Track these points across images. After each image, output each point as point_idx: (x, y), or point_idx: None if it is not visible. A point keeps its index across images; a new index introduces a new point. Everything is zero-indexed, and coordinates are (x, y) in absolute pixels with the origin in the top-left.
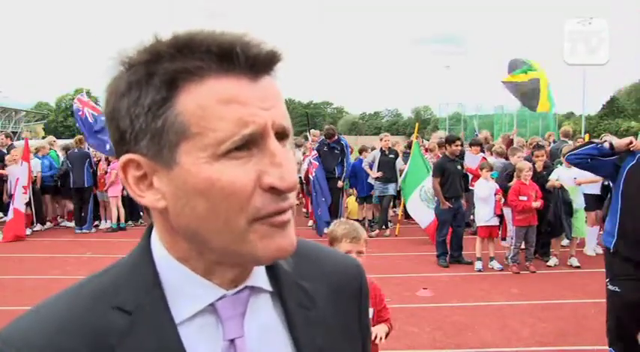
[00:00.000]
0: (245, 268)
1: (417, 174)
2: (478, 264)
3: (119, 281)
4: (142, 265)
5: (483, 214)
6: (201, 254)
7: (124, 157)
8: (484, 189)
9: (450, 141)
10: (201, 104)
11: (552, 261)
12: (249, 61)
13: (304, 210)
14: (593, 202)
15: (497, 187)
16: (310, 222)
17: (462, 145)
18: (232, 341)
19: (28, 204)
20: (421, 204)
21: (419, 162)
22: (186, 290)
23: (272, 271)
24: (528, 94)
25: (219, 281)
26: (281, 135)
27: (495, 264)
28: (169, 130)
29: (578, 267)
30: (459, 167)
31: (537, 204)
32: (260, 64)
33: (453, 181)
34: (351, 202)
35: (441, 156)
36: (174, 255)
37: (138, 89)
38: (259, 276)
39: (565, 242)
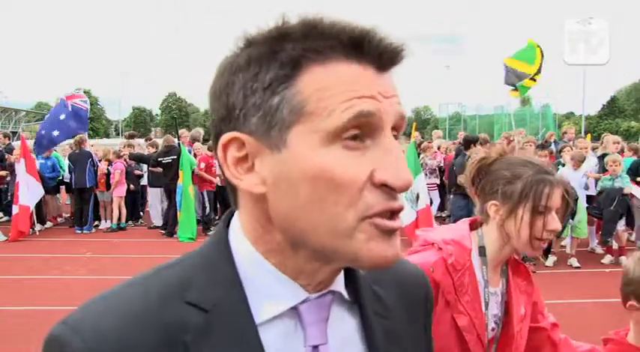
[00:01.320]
0: (337, 270)
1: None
2: None
3: (193, 276)
4: (220, 259)
5: None
6: (294, 248)
7: (228, 134)
8: None
9: (473, 141)
10: (322, 85)
11: (550, 259)
12: (378, 52)
13: None
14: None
15: None
16: None
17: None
18: (316, 347)
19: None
20: (406, 204)
21: (409, 161)
22: (268, 289)
23: (350, 277)
24: (515, 79)
25: (305, 282)
26: (396, 130)
27: None
28: (285, 109)
29: (578, 267)
30: None
31: None
32: (387, 57)
33: None
34: None
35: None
36: (260, 249)
37: (258, 64)
38: (340, 282)
39: (565, 242)
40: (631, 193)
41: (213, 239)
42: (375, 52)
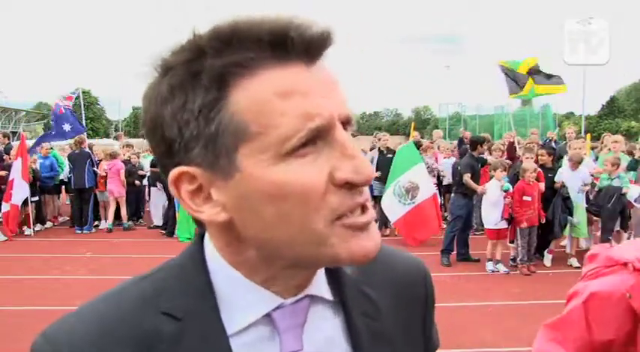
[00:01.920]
0: (313, 273)
1: (399, 167)
2: (490, 265)
3: (167, 286)
4: (193, 271)
5: (492, 217)
6: (270, 262)
7: (175, 171)
8: (494, 191)
9: (479, 141)
10: (258, 100)
11: (547, 259)
12: (305, 46)
13: None
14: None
15: (510, 189)
16: None
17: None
18: None
19: (25, 203)
20: (393, 198)
21: (404, 156)
22: (241, 299)
23: (334, 277)
24: (510, 81)
25: (280, 288)
26: (345, 124)
27: (502, 268)
28: (225, 133)
29: (578, 268)
30: (480, 165)
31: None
32: (315, 48)
33: (475, 180)
34: None
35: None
36: (232, 262)
37: (183, 93)
38: (320, 284)
39: (564, 242)
40: (629, 202)
41: (189, 249)
42: (300, 48)
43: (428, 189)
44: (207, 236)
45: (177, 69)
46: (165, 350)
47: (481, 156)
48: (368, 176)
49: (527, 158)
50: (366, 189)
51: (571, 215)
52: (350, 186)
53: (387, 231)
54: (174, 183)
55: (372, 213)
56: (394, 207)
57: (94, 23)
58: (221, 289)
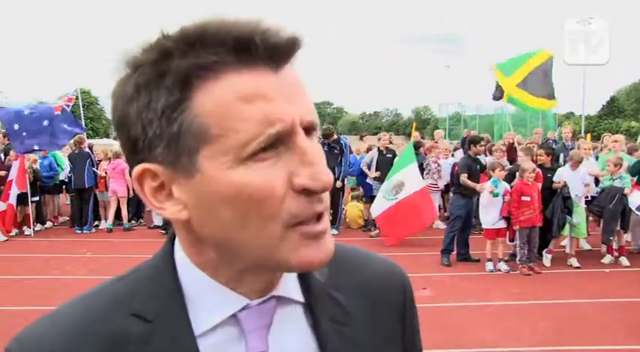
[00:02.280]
0: (275, 275)
1: (396, 167)
2: (489, 265)
3: (139, 288)
4: (164, 272)
5: (491, 217)
6: (229, 263)
7: (139, 168)
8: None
9: (474, 141)
10: (221, 103)
11: (546, 259)
12: (270, 51)
13: None
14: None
15: (508, 188)
16: None
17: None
18: None
19: (26, 203)
20: (380, 194)
21: (403, 156)
22: (207, 300)
23: (304, 280)
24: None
25: (246, 290)
26: (309, 130)
27: (503, 266)
28: (187, 135)
29: (578, 268)
30: (479, 166)
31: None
32: (281, 54)
33: (475, 180)
34: (350, 208)
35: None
36: (198, 264)
37: (148, 92)
38: (290, 285)
39: (564, 242)
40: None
41: (161, 251)
42: (265, 54)
43: (413, 186)
44: (177, 238)
45: (144, 68)
46: (133, 351)
47: (477, 156)
48: (325, 183)
49: (522, 157)
50: (326, 197)
51: (570, 215)
52: (308, 193)
53: None
54: (138, 179)
55: (326, 222)
56: (378, 202)
57: (94, 23)
58: (189, 290)
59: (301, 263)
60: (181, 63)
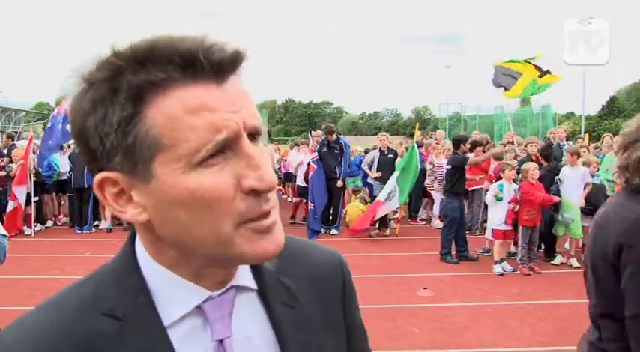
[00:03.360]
0: (233, 268)
1: (407, 173)
2: (497, 268)
3: (105, 289)
4: (128, 271)
5: (497, 218)
6: (188, 259)
7: (99, 176)
8: (504, 193)
9: (461, 141)
10: (170, 116)
11: (557, 259)
12: (214, 67)
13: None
14: None
15: (515, 192)
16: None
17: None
18: (221, 341)
19: (27, 203)
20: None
21: (408, 163)
22: (172, 294)
23: (255, 270)
24: (506, 78)
25: (207, 283)
26: (253, 135)
27: (506, 266)
28: (142, 145)
29: (578, 268)
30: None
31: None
32: (225, 68)
33: (463, 180)
34: (351, 208)
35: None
36: (159, 261)
37: (103, 107)
38: (245, 275)
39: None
40: None
41: (122, 252)
42: (209, 69)
43: (383, 195)
44: (137, 236)
45: (98, 85)
46: (106, 348)
47: (465, 154)
48: (270, 184)
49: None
50: (273, 196)
51: (557, 212)
52: (256, 193)
53: (387, 231)
54: (99, 186)
55: (274, 216)
56: (393, 202)
57: (94, 23)
58: (154, 286)
59: (257, 254)
60: (133, 80)
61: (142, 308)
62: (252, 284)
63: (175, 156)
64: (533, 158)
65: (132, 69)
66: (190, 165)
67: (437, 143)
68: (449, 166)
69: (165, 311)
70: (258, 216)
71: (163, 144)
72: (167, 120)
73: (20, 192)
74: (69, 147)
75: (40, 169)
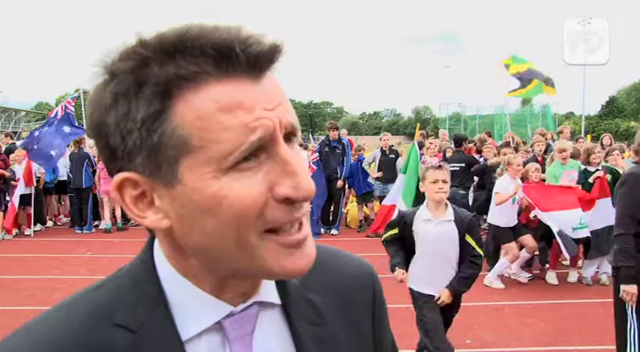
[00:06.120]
0: (257, 281)
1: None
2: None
3: (120, 297)
4: (146, 281)
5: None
6: (212, 270)
7: (119, 176)
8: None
9: (462, 139)
10: (202, 114)
11: (572, 276)
12: (251, 61)
13: None
14: None
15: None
16: None
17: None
18: None
19: (28, 204)
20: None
21: (410, 163)
22: (191, 307)
23: (280, 283)
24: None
25: (229, 295)
26: (289, 135)
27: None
28: (167, 145)
29: (578, 268)
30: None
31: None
32: (262, 63)
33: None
34: (351, 208)
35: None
36: (181, 271)
37: (126, 102)
38: (269, 290)
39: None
40: None
41: (140, 256)
42: (245, 62)
43: (391, 199)
44: (156, 242)
45: (122, 77)
46: None
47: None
48: (308, 193)
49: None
50: (306, 205)
51: None
52: (290, 202)
53: None
54: (118, 188)
55: (307, 229)
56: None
57: (94, 23)
58: (173, 297)
59: (286, 271)
60: (161, 73)
61: (160, 321)
62: (276, 299)
63: (205, 159)
64: (539, 159)
65: (159, 60)
66: (221, 170)
67: (430, 143)
68: (461, 165)
69: (182, 325)
70: (286, 224)
71: (192, 145)
72: (197, 119)
73: (18, 192)
74: (68, 147)
75: (42, 176)
